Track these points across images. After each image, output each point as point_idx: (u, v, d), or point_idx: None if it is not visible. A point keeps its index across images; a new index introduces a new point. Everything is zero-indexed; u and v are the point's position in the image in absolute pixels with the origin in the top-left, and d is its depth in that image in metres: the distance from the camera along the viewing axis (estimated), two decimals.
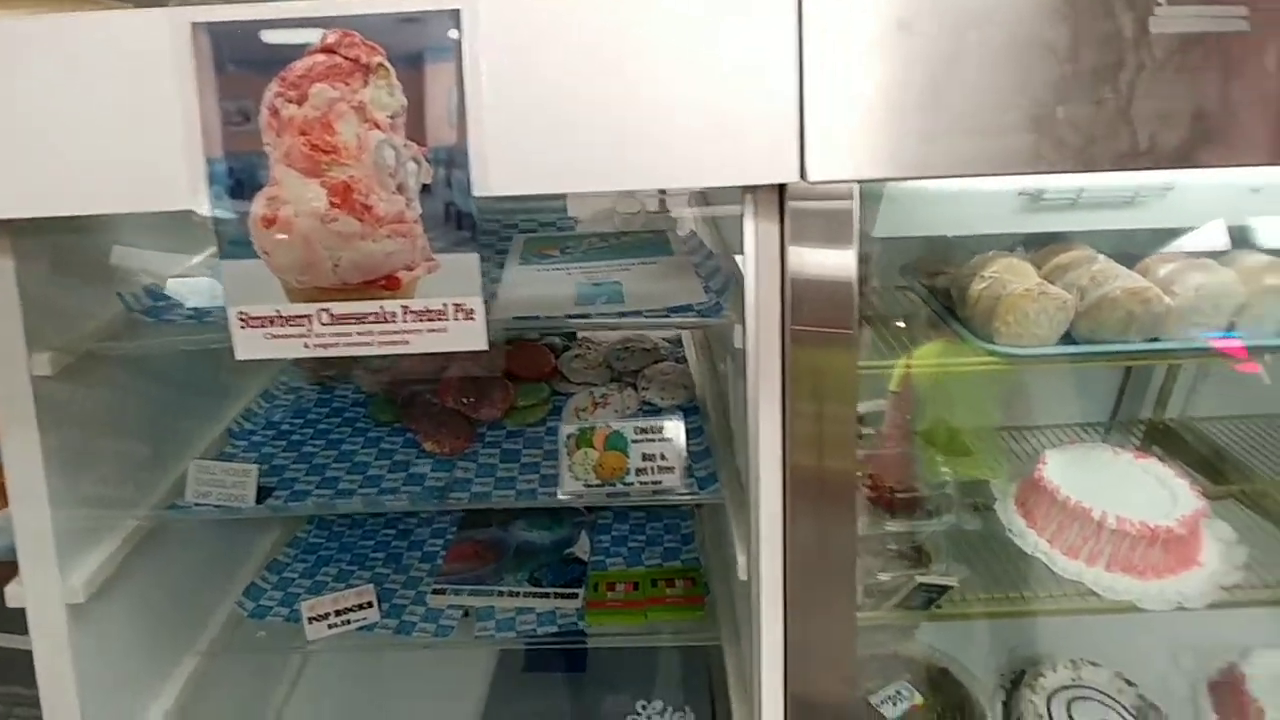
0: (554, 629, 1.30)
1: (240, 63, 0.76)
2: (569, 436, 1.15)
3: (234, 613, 1.36)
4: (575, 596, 1.34)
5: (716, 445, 1.27)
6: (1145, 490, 1.23)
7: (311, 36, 0.75)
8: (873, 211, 0.99)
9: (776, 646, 0.95)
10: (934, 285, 1.27)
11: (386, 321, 0.82)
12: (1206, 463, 1.46)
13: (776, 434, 0.90)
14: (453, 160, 0.77)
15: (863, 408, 1.37)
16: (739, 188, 0.84)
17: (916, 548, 1.25)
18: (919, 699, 1.25)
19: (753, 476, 0.92)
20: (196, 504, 1.19)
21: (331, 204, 0.78)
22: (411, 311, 0.81)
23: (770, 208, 0.84)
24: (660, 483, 1.14)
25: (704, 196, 1.39)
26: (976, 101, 0.77)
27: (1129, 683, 1.31)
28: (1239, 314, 1.09)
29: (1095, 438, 1.55)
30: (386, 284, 0.81)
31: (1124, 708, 1.28)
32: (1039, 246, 1.23)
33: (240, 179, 0.78)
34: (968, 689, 1.32)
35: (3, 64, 0.77)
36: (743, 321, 0.90)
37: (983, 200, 1.11)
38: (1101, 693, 1.31)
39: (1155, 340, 1.10)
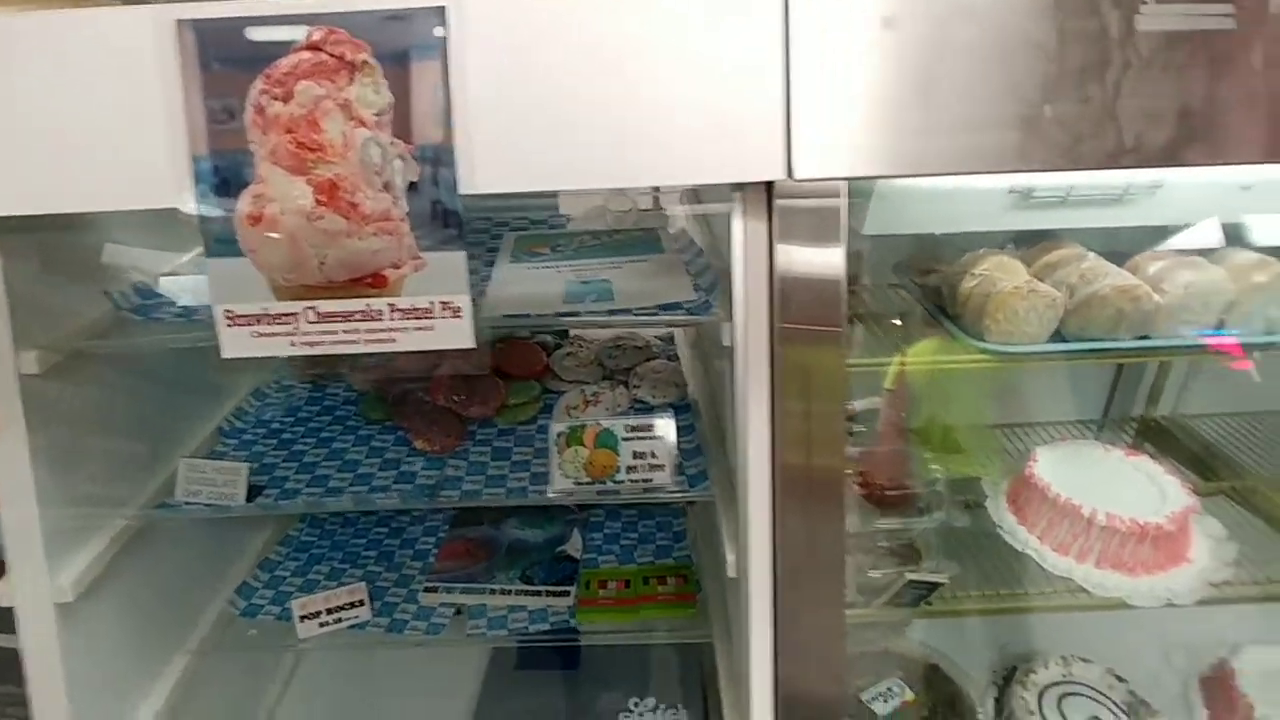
0: (545, 627, 1.30)
1: (225, 60, 0.76)
2: (559, 434, 1.15)
3: (225, 611, 1.36)
4: (567, 594, 1.34)
5: (708, 443, 1.27)
6: (1135, 487, 1.23)
7: (297, 34, 0.75)
8: (863, 209, 0.99)
9: (766, 643, 0.95)
10: (925, 283, 1.27)
11: (373, 320, 0.82)
12: (1198, 459, 1.46)
13: (765, 432, 0.90)
14: (439, 158, 0.77)
15: (858, 405, 1.37)
16: (728, 186, 0.84)
17: (907, 545, 1.26)
18: (910, 695, 1.26)
19: (741, 474, 0.92)
20: (186, 503, 1.18)
21: (318, 202, 0.78)
22: (398, 309, 0.81)
23: (758, 206, 0.84)
24: (651, 480, 1.14)
25: (696, 194, 1.39)
26: (963, 99, 0.77)
27: (1120, 679, 1.32)
28: (1228, 311, 1.09)
29: (1089, 435, 1.55)
30: (373, 282, 0.81)
31: (1114, 703, 1.28)
32: (1029, 244, 1.23)
33: (226, 177, 0.78)
34: (958, 685, 1.32)
35: None
36: (731, 319, 0.90)
37: (973, 198, 1.10)
38: (1092, 689, 1.31)
39: (1145, 338, 1.10)
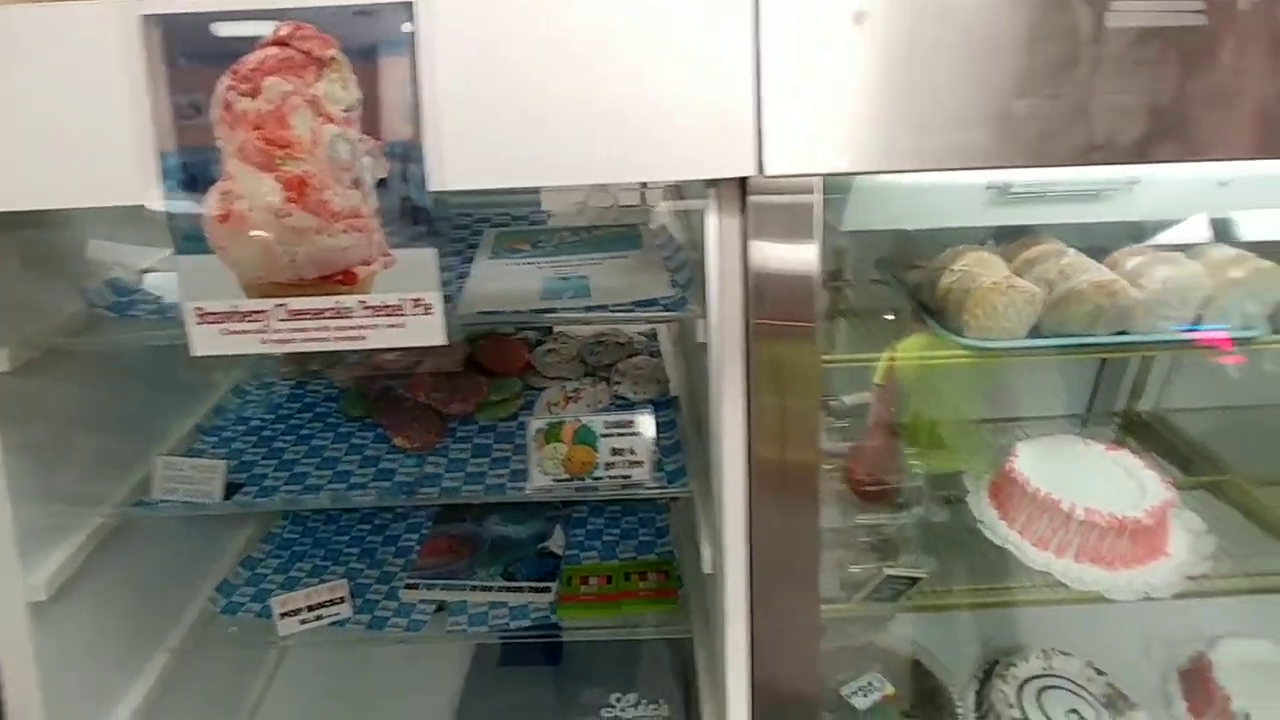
0: (526, 623, 1.30)
1: (192, 55, 0.75)
2: (537, 431, 1.15)
3: (206, 609, 1.36)
4: (548, 590, 1.34)
5: (688, 439, 1.27)
6: (1115, 482, 1.24)
7: (264, 29, 0.75)
8: (841, 205, 0.99)
9: (741, 639, 0.95)
10: (908, 279, 1.27)
11: (344, 317, 0.81)
12: (1180, 454, 1.47)
13: (740, 427, 0.90)
14: (408, 154, 0.77)
15: (847, 400, 1.38)
16: (703, 182, 0.84)
17: (888, 540, 1.26)
18: (890, 690, 1.26)
19: (716, 470, 0.92)
20: (163, 500, 1.18)
21: (287, 199, 0.77)
22: (369, 306, 0.81)
23: (732, 202, 0.84)
24: (629, 477, 1.14)
25: (678, 190, 1.39)
26: (934, 95, 0.77)
27: (1099, 672, 1.32)
28: (1205, 307, 1.10)
29: (1075, 430, 1.56)
30: (343, 279, 0.80)
31: (1093, 696, 1.29)
32: (1010, 240, 1.23)
33: (193, 173, 0.77)
34: (938, 679, 1.33)
35: None
36: (706, 315, 0.90)
37: (951, 194, 1.10)
38: (1071, 682, 1.32)
39: (1123, 333, 1.10)
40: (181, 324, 0.83)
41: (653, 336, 1.63)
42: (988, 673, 1.34)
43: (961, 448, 1.42)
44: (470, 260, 1.24)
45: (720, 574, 0.95)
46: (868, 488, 1.31)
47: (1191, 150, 0.81)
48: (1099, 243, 1.17)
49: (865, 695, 1.24)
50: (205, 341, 0.82)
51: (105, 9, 0.75)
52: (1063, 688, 1.30)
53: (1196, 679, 1.30)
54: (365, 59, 0.75)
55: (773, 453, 0.90)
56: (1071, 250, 1.16)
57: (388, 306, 0.81)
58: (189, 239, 0.79)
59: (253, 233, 0.78)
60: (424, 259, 0.79)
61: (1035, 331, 1.11)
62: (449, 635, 1.29)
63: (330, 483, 1.26)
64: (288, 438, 1.39)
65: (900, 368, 1.22)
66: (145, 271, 1.22)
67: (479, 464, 1.29)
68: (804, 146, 0.78)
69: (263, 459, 1.32)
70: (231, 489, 1.22)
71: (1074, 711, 1.26)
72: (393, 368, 1.46)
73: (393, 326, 0.82)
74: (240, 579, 1.41)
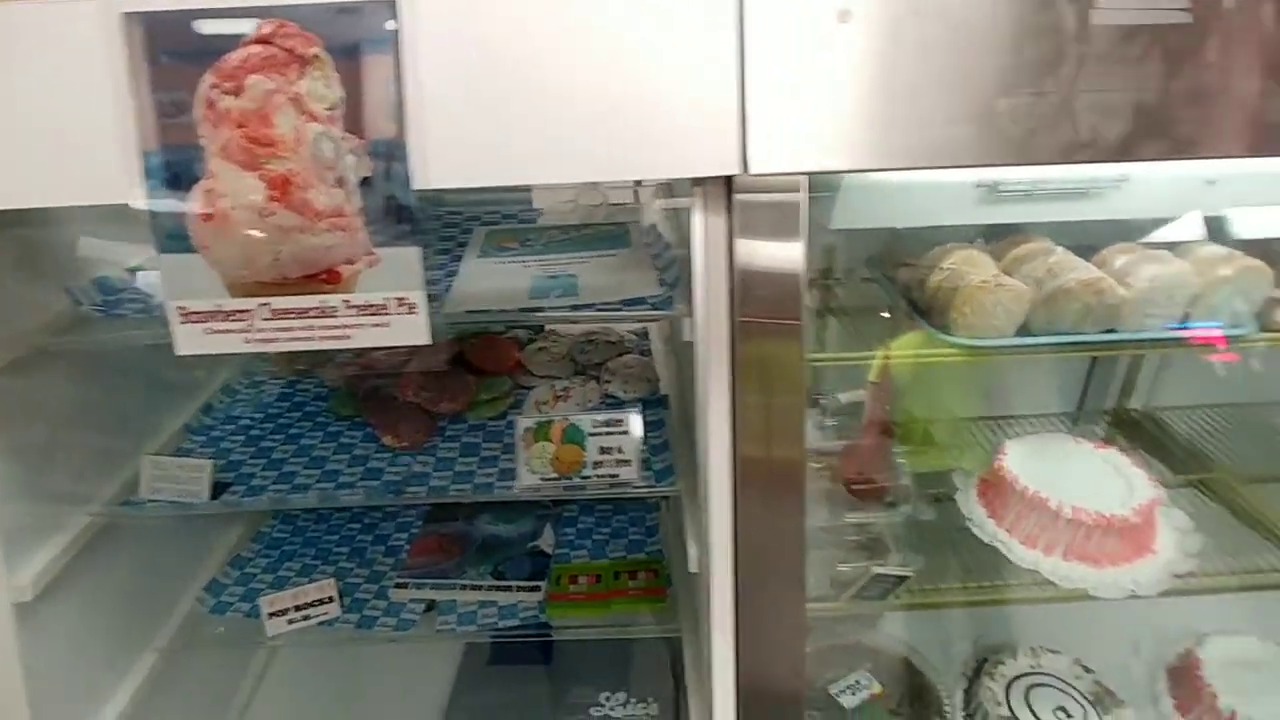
0: (515, 622, 1.30)
1: (174, 54, 0.75)
2: (525, 430, 1.15)
3: (195, 609, 1.35)
4: (538, 590, 1.34)
5: (677, 438, 1.27)
6: (1103, 480, 1.24)
7: (246, 27, 0.74)
8: (830, 204, 0.99)
9: (728, 637, 0.95)
10: (897, 277, 1.27)
11: (328, 316, 0.81)
12: (1170, 451, 1.48)
13: (726, 426, 0.90)
14: (392, 153, 0.76)
15: (843, 398, 1.38)
16: (689, 181, 0.83)
17: (877, 538, 1.26)
18: (878, 688, 1.26)
19: (702, 468, 0.92)
20: (150, 500, 1.18)
21: (270, 197, 0.77)
22: (353, 306, 0.81)
23: (718, 200, 0.84)
24: (617, 476, 1.14)
25: (669, 188, 1.39)
26: (919, 94, 0.77)
27: (1087, 669, 1.33)
28: (1193, 305, 1.10)
29: (1065, 428, 1.56)
30: (327, 278, 0.80)
31: (1080, 693, 1.29)
32: (999, 238, 1.23)
33: (177, 172, 0.77)
34: (926, 677, 1.33)
35: None
36: (693, 314, 0.90)
37: (939, 192, 1.10)
38: (1059, 680, 1.32)
39: (1111, 331, 1.10)
40: (167, 323, 0.83)
41: (644, 335, 1.63)
42: (976, 671, 1.34)
43: (952, 446, 1.43)
44: (460, 258, 1.24)
45: (706, 573, 0.95)
46: (860, 485, 1.31)
47: (1177, 148, 0.81)
48: (1088, 241, 1.18)
49: (853, 693, 1.24)
50: (189, 341, 0.82)
51: (86, 6, 0.74)
52: (1051, 685, 1.31)
53: (1184, 676, 1.30)
54: (348, 57, 0.75)
55: (758, 451, 0.90)
56: (1060, 248, 1.16)
57: (372, 306, 0.81)
58: (172, 238, 0.78)
59: (236, 231, 0.78)
60: (408, 258, 0.79)
61: (1024, 330, 1.11)
62: (438, 634, 1.29)
63: (318, 482, 1.26)
64: (276, 437, 1.38)
65: (893, 366, 1.22)
66: (133, 270, 1.21)
67: (467, 463, 1.29)
68: (789, 145, 0.78)
69: (251, 458, 1.32)
70: (219, 488, 1.22)
71: (1061, 709, 1.26)
72: (383, 366, 1.46)
73: (377, 326, 0.81)
74: (229, 578, 1.41)
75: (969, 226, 1.23)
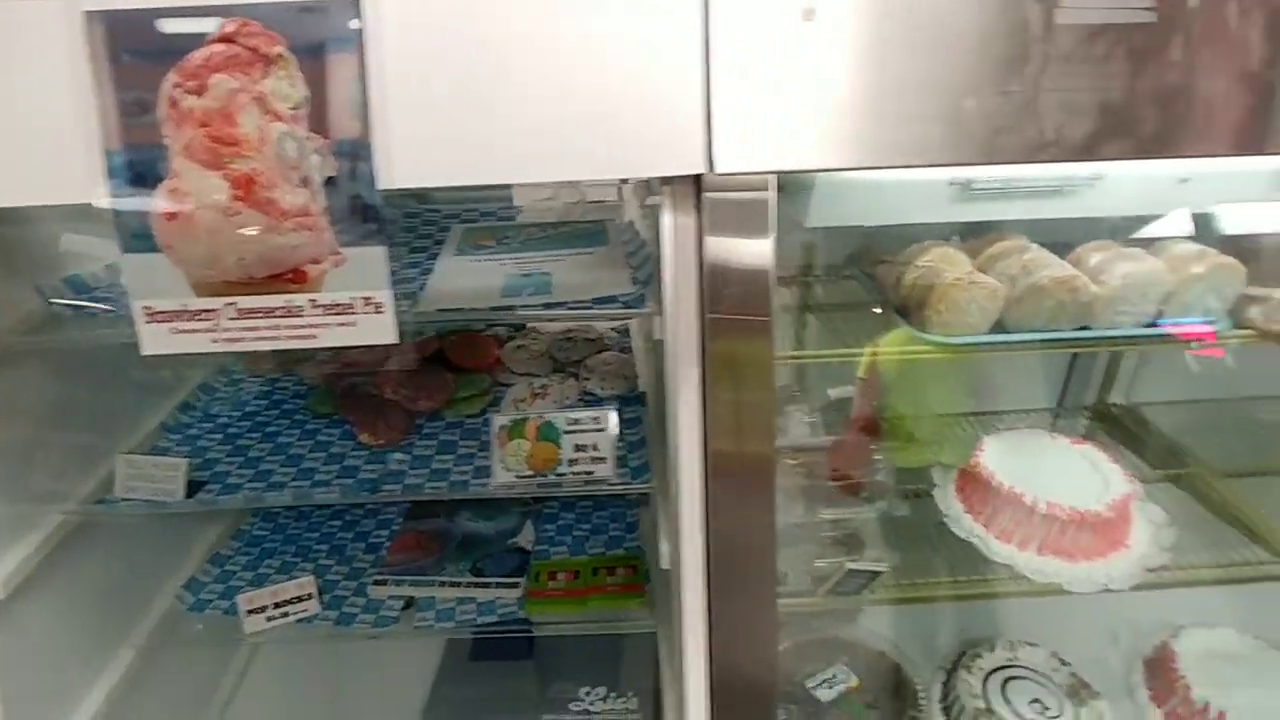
0: (494, 619, 1.30)
1: (136, 53, 0.74)
2: (501, 427, 1.15)
3: (173, 607, 1.35)
4: (516, 586, 1.34)
5: (653, 435, 1.27)
6: (1079, 475, 1.25)
7: (209, 26, 0.74)
8: (806, 201, 0.99)
9: (700, 632, 0.95)
10: (876, 274, 1.27)
11: (294, 316, 0.81)
12: (1147, 446, 1.49)
13: (696, 422, 0.90)
14: (357, 153, 0.76)
15: (832, 394, 1.38)
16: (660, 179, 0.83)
17: (853, 534, 1.27)
18: (854, 681, 1.27)
19: (673, 465, 0.92)
20: (124, 499, 1.17)
21: (234, 197, 0.77)
22: (319, 305, 0.80)
23: (687, 198, 0.84)
24: (592, 473, 1.14)
25: (648, 186, 1.39)
26: (884, 92, 0.77)
27: (1063, 662, 1.34)
28: (1166, 302, 1.10)
29: (1046, 424, 1.57)
30: (293, 278, 0.80)
31: (1056, 686, 1.30)
32: (976, 236, 1.24)
33: (140, 171, 0.76)
34: (904, 671, 1.34)
35: None
36: (663, 312, 0.90)
37: (915, 190, 1.10)
38: (1036, 672, 1.33)
39: (1085, 328, 1.11)
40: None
41: (624, 333, 1.63)
42: (955, 664, 1.35)
43: (932, 442, 1.43)
44: (436, 256, 1.24)
45: (678, 569, 0.95)
46: (845, 481, 1.31)
47: (1142, 147, 0.81)
48: (1064, 239, 1.18)
49: (830, 687, 1.25)
50: (154, 340, 0.81)
51: (48, 5, 0.74)
52: (1027, 678, 1.32)
53: (1159, 668, 1.31)
54: (313, 56, 0.75)
55: (729, 447, 0.90)
56: (1035, 246, 1.17)
57: (338, 305, 0.81)
58: (137, 237, 0.78)
59: (200, 231, 0.77)
60: (374, 257, 0.79)
61: (999, 327, 1.11)
62: (416, 631, 1.29)
63: (295, 480, 1.26)
64: (253, 435, 1.38)
65: (879, 362, 1.22)
66: (107, 267, 1.20)
67: (444, 460, 1.29)
68: (755, 145, 0.78)
69: (227, 456, 1.32)
70: (195, 486, 1.22)
71: (1037, 701, 1.27)
72: (362, 364, 1.46)
73: (343, 325, 0.81)
74: (209, 576, 1.41)
75: (945, 224, 1.24)
